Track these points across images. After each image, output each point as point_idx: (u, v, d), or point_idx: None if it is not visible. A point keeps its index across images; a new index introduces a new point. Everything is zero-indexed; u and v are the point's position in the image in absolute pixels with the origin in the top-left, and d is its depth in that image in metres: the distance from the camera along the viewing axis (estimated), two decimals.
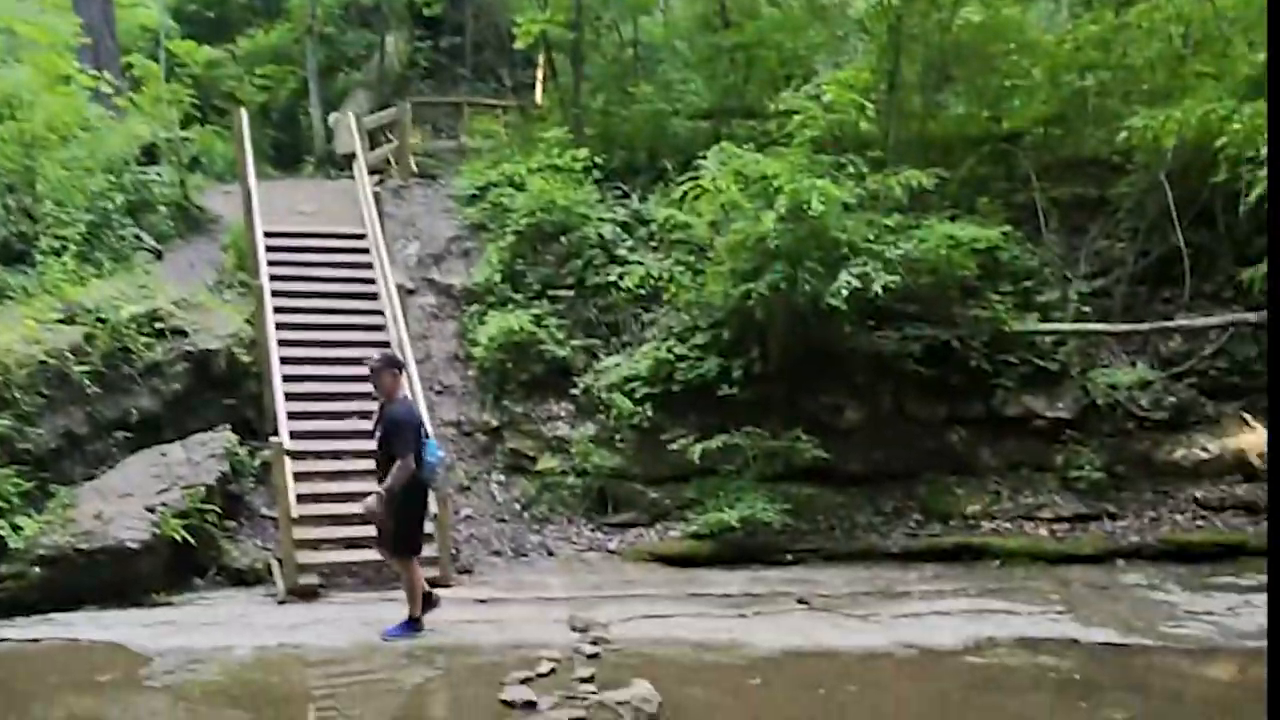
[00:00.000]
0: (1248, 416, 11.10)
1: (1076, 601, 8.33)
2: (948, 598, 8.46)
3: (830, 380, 10.87)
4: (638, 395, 10.69)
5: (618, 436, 10.69)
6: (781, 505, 9.84)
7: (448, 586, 8.48)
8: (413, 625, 7.01)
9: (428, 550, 8.11)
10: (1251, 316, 10.84)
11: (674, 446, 10.36)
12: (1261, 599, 8.19)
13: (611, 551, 9.91)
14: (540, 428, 11.09)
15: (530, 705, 5.45)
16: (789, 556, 9.77)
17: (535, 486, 10.73)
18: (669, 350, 10.83)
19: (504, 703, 5.50)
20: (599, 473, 10.46)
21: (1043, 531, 10.35)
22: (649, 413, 10.53)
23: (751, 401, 10.49)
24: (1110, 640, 7.07)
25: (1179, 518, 10.65)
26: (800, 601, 8.25)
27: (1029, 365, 11.09)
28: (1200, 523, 10.52)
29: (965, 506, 10.59)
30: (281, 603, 8.01)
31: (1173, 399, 11.10)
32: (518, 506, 10.57)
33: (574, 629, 7.28)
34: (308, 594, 8.19)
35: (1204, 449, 11.06)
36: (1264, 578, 8.75)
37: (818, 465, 10.27)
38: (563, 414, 11.18)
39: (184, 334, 9.88)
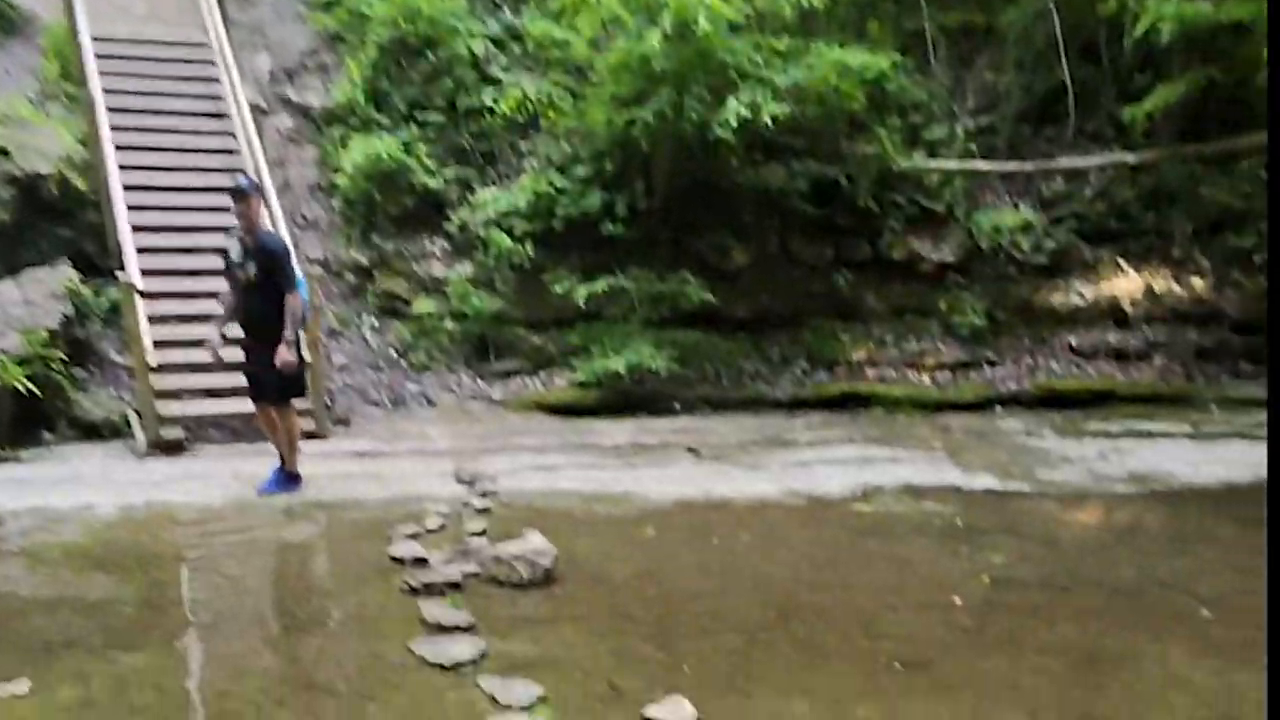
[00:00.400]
0: (1122, 262, 11.69)
1: (958, 449, 8.81)
2: (835, 446, 8.82)
3: (716, 219, 10.87)
4: (517, 232, 10.47)
5: (497, 277, 10.52)
6: (669, 352, 9.94)
7: (324, 439, 8.36)
8: (291, 479, 6.90)
9: (300, 401, 7.92)
10: (1130, 158, 11.30)
11: (557, 289, 10.27)
12: (1129, 444, 8.85)
13: (495, 401, 9.90)
14: (414, 267, 10.81)
15: (421, 561, 5.47)
16: (677, 406, 9.97)
17: (411, 331, 10.54)
18: (549, 183, 10.54)
19: (393, 559, 5.51)
20: (479, 316, 10.32)
21: (925, 379, 10.83)
22: (529, 251, 10.35)
23: (636, 241, 10.43)
24: (990, 487, 7.52)
25: (1054, 365, 11.29)
26: (690, 451, 8.47)
27: (915, 206, 11.34)
28: (1074, 370, 11.18)
29: (851, 353, 10.95)
30: (143, 457, 7.76)
31: (1052, 243, 11.58)
32: (394, 353, 10.40)
33: (460, 482, 7.32)
34: (172, 448, 7.95)
35: (1080, 295, 11.66)
36: (1131, 424, 9.45)
37: (705, 309, 10.38)
38: (437, 252, 10.90)
39: (4, 153, 9.08)
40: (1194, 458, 8.42)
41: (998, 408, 10.39)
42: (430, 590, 4.98)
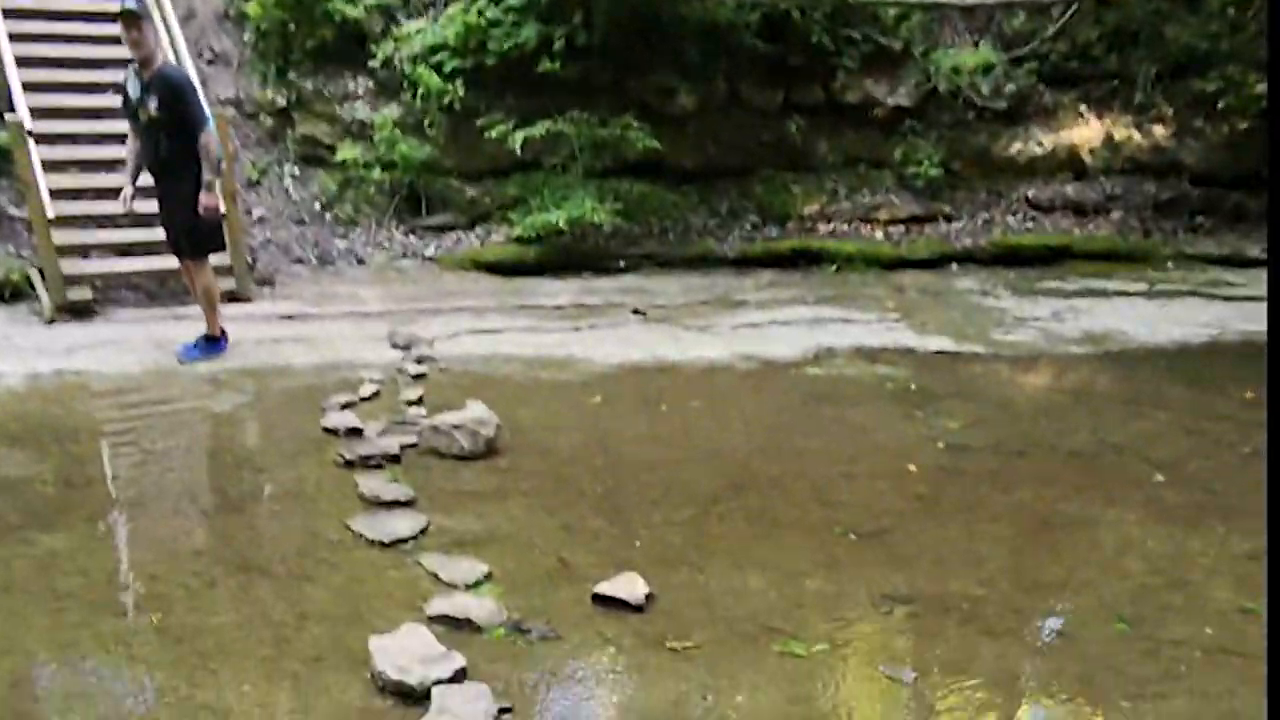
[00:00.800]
0: (1083, 108, 11.61)
1: (911, 309, 8.86)
2: (785, 306, 8.81)
3: (661, 59, 10.46)
4: (446, 69, 9.99)
5: (427, 121, 10.10)
6: (613, 205, 9.73)
7: (247, 300, 8.13)
8: (212, 344, 6.71)
9: (218, 259, 7.65)
10: None
11: (492, 134, 9.89)
12: (1085, 303, 8.96)
13: (429, 258, 9.68)
14: (336, 109, 10.32)
15: (355, 432, 5.39)
16: (621, 263, 9.84)
17: (336, 181, 10.17)
18: (479, 14, 9.96)
19: (327, 430, 5.42)
20: (408, 165, 9.95)
21: (879, 235, 10.80)
22: (460, 92, 9.90)
23: (576, 82, 10.02)
24: (944, 349, 7.59)
25: (1010, 219, 11.31)
26: (635, 313, 8.40)
27: (871, 44, 11.05)
28: (1030, 225, 11.22)
29: (802, 207, 10.85)
30: (50, 322, 7.47)
31: (1012, 86, 11.43)
32: (318, 206, 10.06)
33: (395, 346, 7.19)
34: (81, 311, 7.66)
35: (1039, 143, 11.60)
36: (1087, 282, 9.56)
37: (650, 158, 10.14)
38: (361, 92, 10.41)
39: None
40: (1150, 316, 8.58)
41: (953, 265, 10.43)
42: (367, 463, 4.92)
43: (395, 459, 4.97)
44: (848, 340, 7.75)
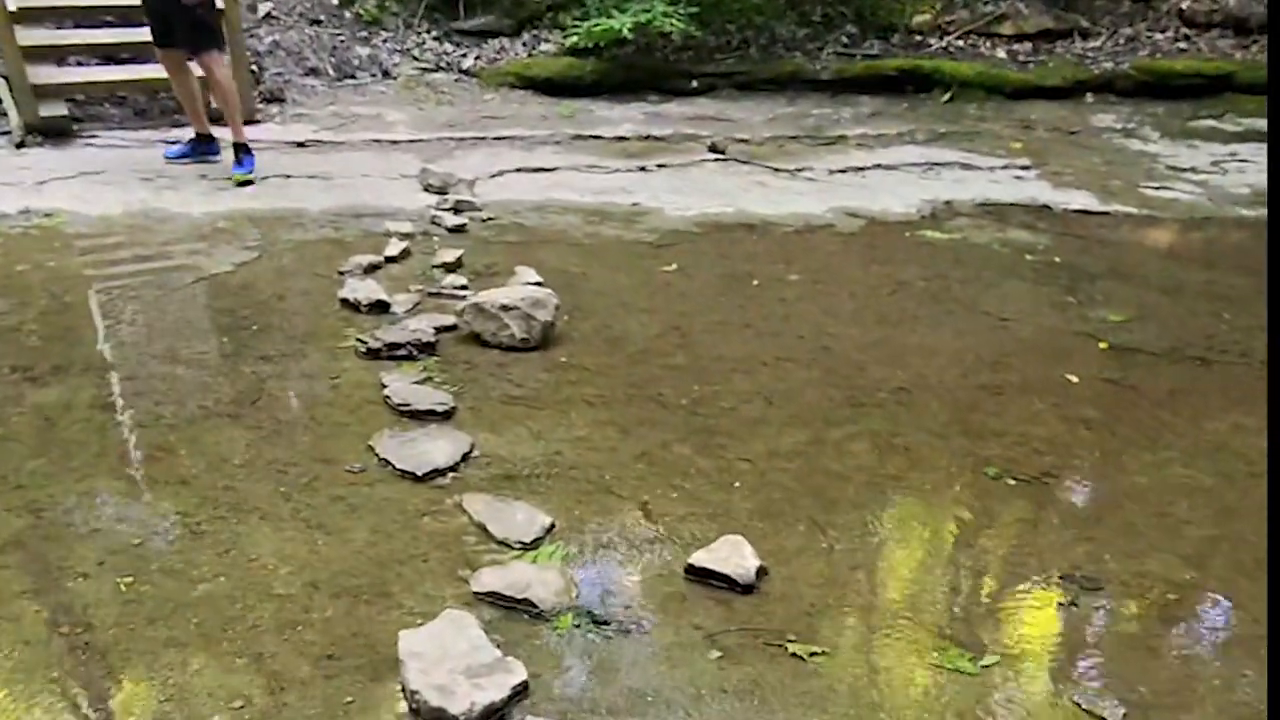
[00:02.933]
0: None
1: (1043, 152, 7.90)
2: (892, 145, 7.87)
3: None
4: None
5: None
6: (686, 10, 8.66)
7: (252, 122, 7.30)
8: (249, 155, 6.35)
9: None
10: None
11: None
12: (1250, 150, 7.95)
13: (466, 72, 8.75)
14: None
15: (380, 307, 4.71)
16: (694, 83, 8.86)
17: None
18: None
19: (345, 303, 4.73)
20: None
21: (1001, 53, 9.64)
22: None
23: None
24: (1087, 207, 6.70)
25: (1159, 37, 10.08)
26: (712, 149, 7.51)
27: None
28: (1182, 45, 9.99)
29: (911, 16, 9.74)
30: (19, 145, 6.75)
31: None
32: (336, 1, 9.04)
33: (428, 189, 6.41)
34: (56, 131, 6.91)
35: None
36: (1253, 122, 8.47)
37: None
38: None
39: None
40: None
41: (1089, 95, 9.31)
42: (394, 353, 4.24)
43: (429, 348, 4.28)
44: (970, 193, 6.86)
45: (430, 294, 4.92)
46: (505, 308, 4.34)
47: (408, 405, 3.81)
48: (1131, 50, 9.86)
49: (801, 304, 5.02)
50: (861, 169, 7.26)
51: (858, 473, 3.59)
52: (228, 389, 3.97)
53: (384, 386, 3.96)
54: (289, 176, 6.50)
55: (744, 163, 7.30)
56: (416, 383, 4.04)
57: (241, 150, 6.33)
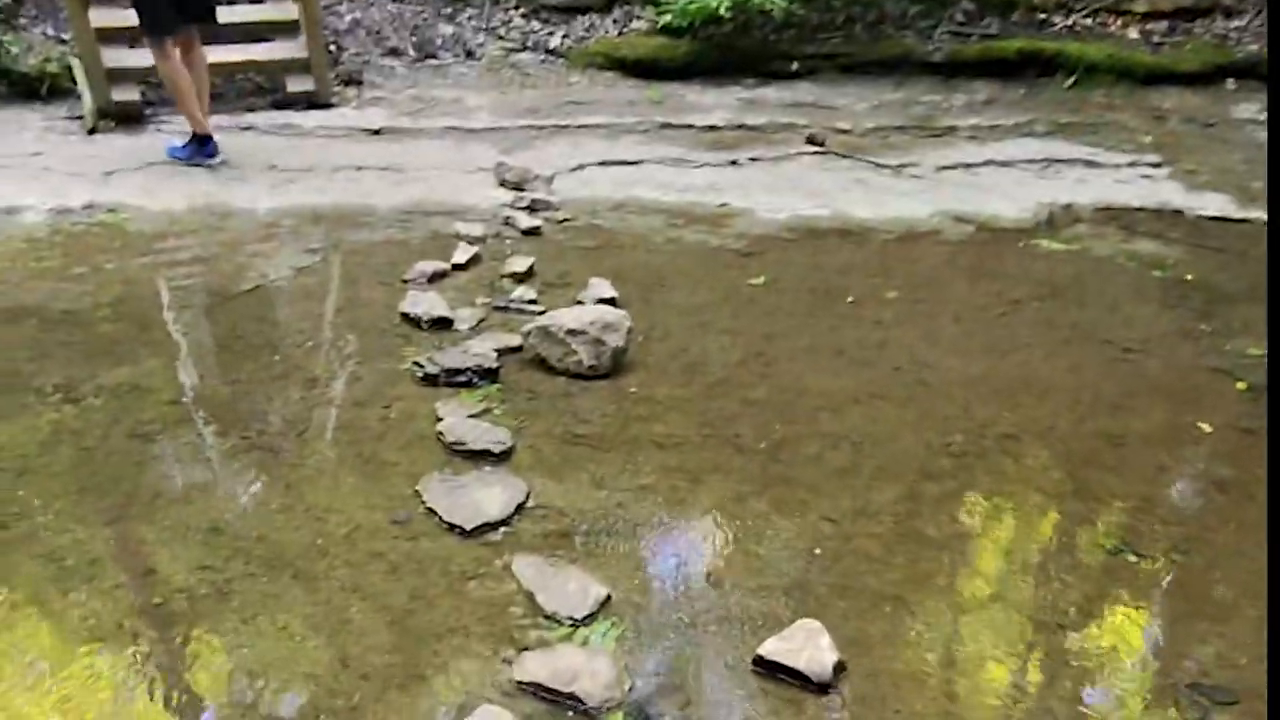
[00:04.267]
0: None
1: (1175, 147, 7.37)
2: (1007, 137, 7.42)
3: None
4: None
5: None
6: None
7: (327, 106, 7.18)
8: (199, 145, 6.08)
9: (286, 49, 6.72)
10: None
11: None
12: None
13: (553, 52, 8.50)
14: None
15: (443, 323, 4.51)
16: (794, 66, 8.47)
17: None
18: None
19: (406, 318, 4.54)
20: None
21: (1133, 33, 9.03)
22: None
23: None
24: (1225, 213, 6.21)
25: None
26: (810, 142, 7.15)
27: None
28: None
29: None
30: (91, 131, 6.70)
31: None
32: None
33: (504, 184, 6.20)
34: (129, 116, 6.84)
35: None
36: None
37: None
38: None
39: None
40: None
41: (1230, 81, 8.66)
42: (454, 379, 4.02)
43: (491, 374, 4.05)
44: (1092, 194, 6.41)
45: (497, 308, 4.70)
46: (573, 332, 4.10)
47: (462, 444, 3.60)
48: None
49: (899, 327, 4.68)
50: (972, 165, 6.84)
51: (955, 541, 3.27)
52: (273, 416, 3.79)
53: (439, 419, 3.75)
54: (360, 168, 6.35)
55: (844, 156, 6.93)
56: (474, 415, 3.82)
57: (191, 143, 6.25)
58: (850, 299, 4.95)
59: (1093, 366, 4.39)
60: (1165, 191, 6.51)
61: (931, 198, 6.23)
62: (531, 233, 5.54)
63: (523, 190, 6.04)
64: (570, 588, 2.98)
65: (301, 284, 4.91)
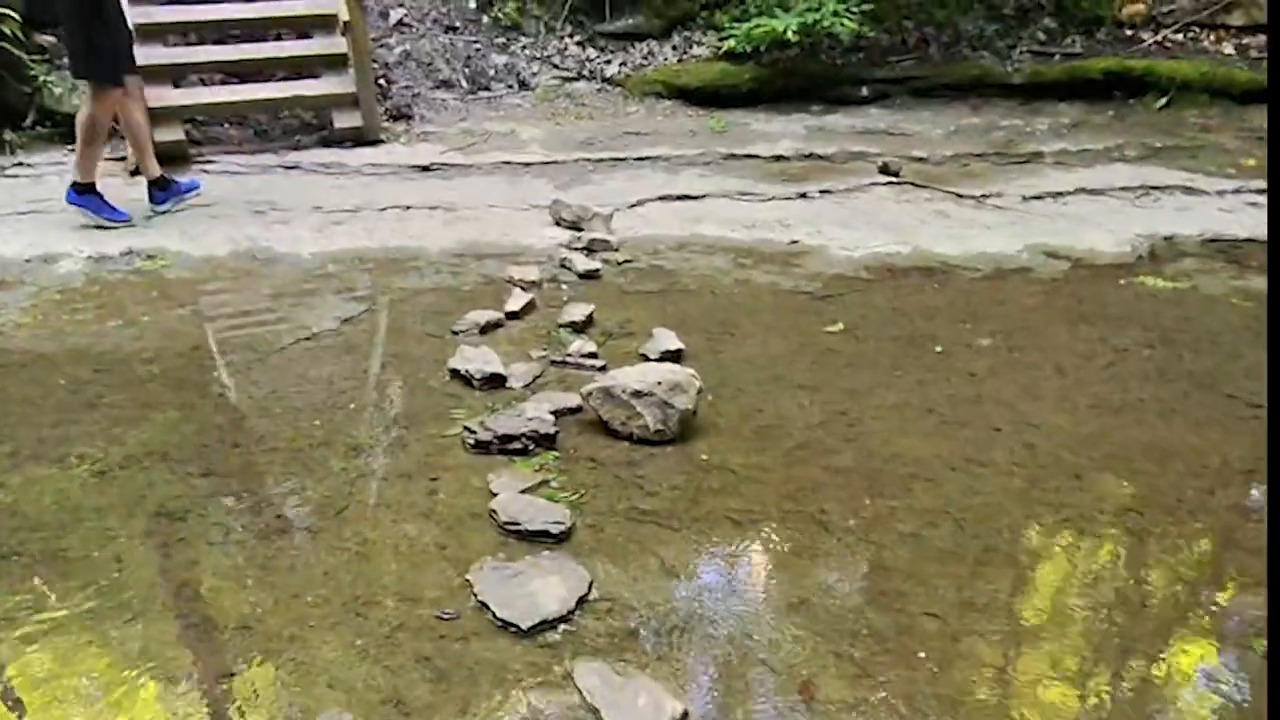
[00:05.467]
0: None
1: None
2: (1097, 163, 7.00)
3: None
4: None
5: None
6: (859, 6, 7.93)
7: (377, 142, 6.95)
8: (164, 190, 5.88)
9: (336, 84, 6.49)
10: None
11: None
12: None
13: (610, 80, 8.23)
14: None
15: (495, 380, 4.20)
16: (864, 90, 8.13)
17: None
18: None
19: (456, 375, 4.23)
20: None
21: (1228, 48, 8.55)
22: None
23: None
24: None
25: None
26: (884, 171, 6.78)
27: None
28: None
29: (1121, 6, 8.74)
30: (134, 173, 6.50)
31: None
32: (473, 4, 8.67)
33: (559, 222, 5.88)
34: (172, 156, 6.66)
35: None
36: None
37: None
38: None
39: None
40: None
41: None
42: (507, 446, 3.70)
43: (549, 440, 3.72)
44: (1196, 225, 5.97)
45: (554, 362, 4.39)
46: (638, 394, 3.76)
47: (516, 525, 3.27)
48: None
49: (995, 380, 4.29)
50: (1061, 194, 6.43)
51: (1081, 640, 2.86)
52: (312, 492, 3.50)
53: (492, 494, 3.43)
54: (408, 208, 6.09)
55: (920, 187, 6.55)
56: (529, 488, 3.50)
57: (158, 186, 6.02)
58: (939, 348, 4.58)
59: (1217, 425, 3.97)
60: None
61: (1019, 231, 5.83)
62: (590, 276, 5.23)
63: (580, 229, 5.73)
64: (640, 702, 2.63)
65: (346, 337, 4.63)
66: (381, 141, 7.04)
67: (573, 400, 4.02)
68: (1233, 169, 6.90)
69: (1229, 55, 8.54)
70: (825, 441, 3.83)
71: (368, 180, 6.47)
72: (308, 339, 4.62)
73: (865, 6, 8.03)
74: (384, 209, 6.05)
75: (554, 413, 3.94)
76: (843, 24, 7.74)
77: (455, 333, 4.63)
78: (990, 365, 4.43)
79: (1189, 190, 6.48)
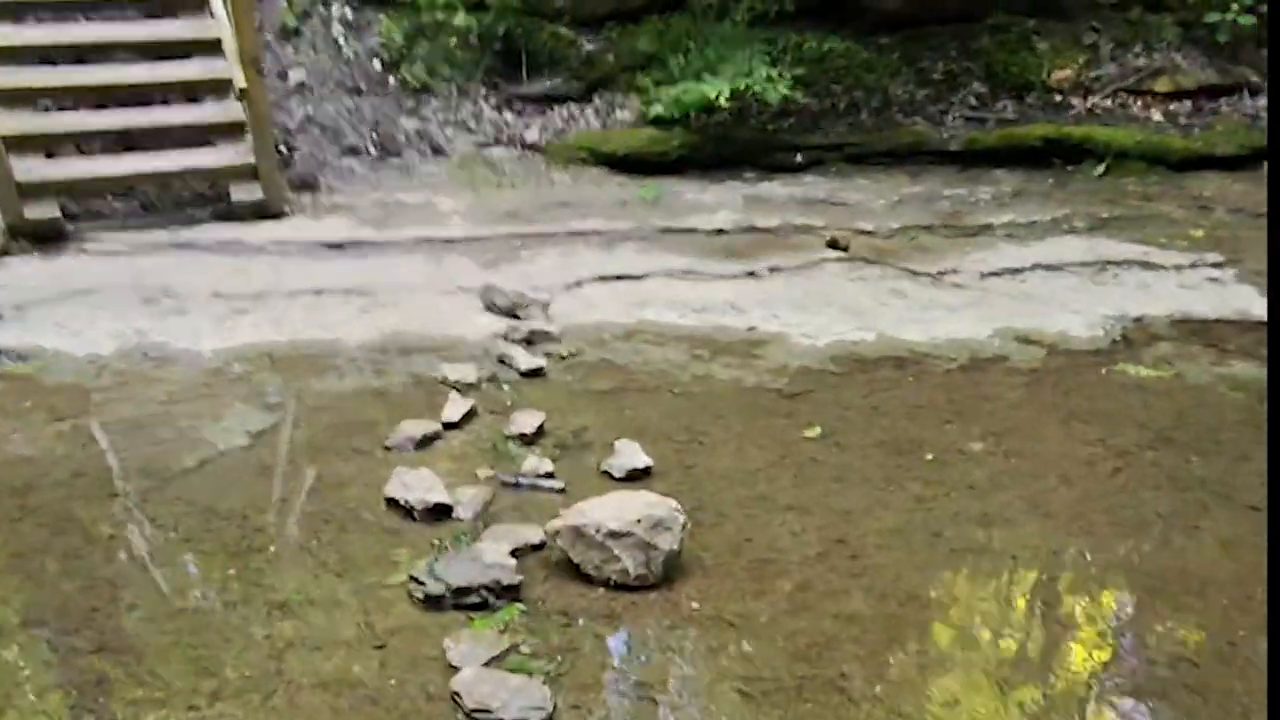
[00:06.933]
0: None
1: (1232, 242, 6.75)
2: (1048, 236, 6.75)
3: None
4: None
5: None
6: (790, 71, 7.60)
7: (279, 215, 6.32)
8: None
9: (230, 154, 5.88)
10: None
11: None
12: None
13: (531, 146, 7.74)
14: None
15: (440, 511, 3.63)
16: (798, 157, 7.78)
17: (404, 29, 8.22)
18: None
19: (393, 504, 3.65)
20: (503, 4, 7.90)
21: (1157, 114, 8.46)
22: None
23: None
24: None
25: None
26: (832, 245, 6.40)
27: None
28: None
29: (1048, 71, 8.60)
30: (3, 254, 5.76)
31: None
32: (379, 65, 8.12)
33: (492, 308, 5.34)
34: (46, 235, 5.94)
35: None
36: None
37: None
38: None
39: None
40: None
41: (1265, 164, 8.08)
42: (463, 600, 3.14)
43: (512, 591, 3.16)
44: (1162, 304, 5.72)
45: (506, 484, 3.84)
46: (615, 535, 3.24)
47: (487, 712, 2.70)
48: None
49: (999, 494, 3.88)
50: (1018, 270, 6.13)
51: None
52: (230, 670, 2.88)
53: (451, 667, 2.85)
54: (320, 292, 5.50)
55: (872, 263, 6.20)
56: (496, 657, 2.92)
57: None
58: (929, 455, 4.15)
59: (1248, 544, 3.61)
60: (1240, 298, 5.83)
61: (984, 313, 5.49)
62: (534, 374, 4.70)
63: (516, 317, 5.21)
64: None
65: (259, 456, 4.01)
66: (286, 214, 6.42)
67: (534, 535, 3.49)
68: (1184, 241, 6.71)
69: (1159, 121, 8.44)
70: (829, 579, 3.36)
71: (273, 260, 5.86)
72: (214, 460, 3.98)
73: (797, 71, 7.70)
74: (293, 294, 5.44)
75: (514, 551, 3.39)
76: (778, 91, 7.39)
77: (388, 448, 4.05)
78: (989, 476, 4.02)
79: (1146, 265, 6.25)
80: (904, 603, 3.27)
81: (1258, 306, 5.75)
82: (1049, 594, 3.36)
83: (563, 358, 4.91)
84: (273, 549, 3.46)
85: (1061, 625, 3.20)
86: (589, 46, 8.36)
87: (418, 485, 3.73)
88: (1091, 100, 8.44)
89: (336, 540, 3.49)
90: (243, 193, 6.29)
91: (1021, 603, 3.32)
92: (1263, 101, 8.62)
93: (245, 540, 3.50)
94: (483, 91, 8.06)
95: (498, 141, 7.70)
